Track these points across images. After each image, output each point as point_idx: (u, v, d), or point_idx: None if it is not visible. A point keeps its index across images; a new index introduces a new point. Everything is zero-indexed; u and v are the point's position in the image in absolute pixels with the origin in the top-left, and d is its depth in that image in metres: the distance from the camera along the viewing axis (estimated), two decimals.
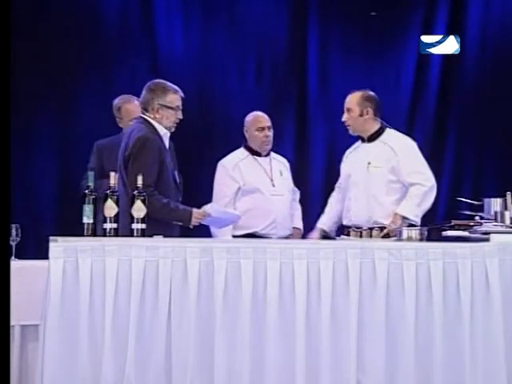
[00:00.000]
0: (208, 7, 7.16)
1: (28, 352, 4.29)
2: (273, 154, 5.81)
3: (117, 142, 5.10)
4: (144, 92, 4.80)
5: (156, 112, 4.73)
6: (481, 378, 3.98)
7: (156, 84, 4.80)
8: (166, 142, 4.78)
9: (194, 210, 4.72)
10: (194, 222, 4.71)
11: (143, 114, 4.79)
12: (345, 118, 5.35)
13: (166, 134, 4.78)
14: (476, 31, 7.24)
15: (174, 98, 4.77)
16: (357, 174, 5.31)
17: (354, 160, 5.39)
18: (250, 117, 5.74)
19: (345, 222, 5.35)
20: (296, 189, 5.85)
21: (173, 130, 4.83)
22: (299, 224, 5.79)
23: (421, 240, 4.43)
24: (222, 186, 5.65)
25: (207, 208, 4.79)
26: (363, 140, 5.40)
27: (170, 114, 4.75)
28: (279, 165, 5.76)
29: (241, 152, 5.74)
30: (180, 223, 4.75)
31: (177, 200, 4.81)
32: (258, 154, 5.72)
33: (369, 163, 5.26)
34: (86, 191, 4.14)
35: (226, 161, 5.71)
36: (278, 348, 3.93)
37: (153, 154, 4.62)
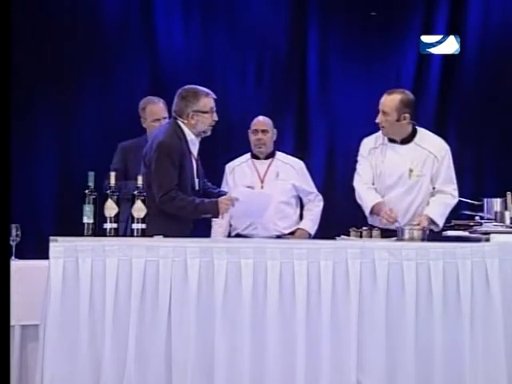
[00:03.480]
0: (208, 8, 7.16)
1: (28, 352, 4.29)
2: (281, 156, 5.92)
3: (141, 144, 5.15)
4: (176, 100, 4.82)
5: (191, 118, 4.75)
6: (481, 378, 3.98)
7: (187, 90, 4.81)
8: (193, 148, 4.80)
9: (220, 198, 4.72)
10: (223, 210, 4.69)
11: (176, 118, 4.79)
12: (380, 119, 5.06)
13: (192, 141, 4.78)
14: (476, 31, 7.23)
15: (207, 101, 4.79)
16: (394, 178, 5.08)
17: (388, 161, 5.11)
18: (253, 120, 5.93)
19: (371, 222, 5.10)
20: (313, 191, 5.91)
21: (209, 133, 4.84)
22: (305, 225, 5.86)
23: (423, 240, 4.43)
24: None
25: (232, 192, 4.85)
26: (393, 140, 5.13)
27: (204, 117, 4.77)
28: (282, 167, 5.84)
29: (245, 156, 5.96)
30: (209, 215, 4.80)
31: None
32: (258, 157, 5.88)
33: (410, 170, 5.06)
34: (86, 191, 4.14)
35: (228, 164, 5.95)
36: (278, 348, 3.93)
37: (173, 158, 4.63)
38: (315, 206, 5.89)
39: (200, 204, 4.68)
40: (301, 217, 5.92)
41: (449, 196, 5.11)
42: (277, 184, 5.79)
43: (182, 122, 4.77)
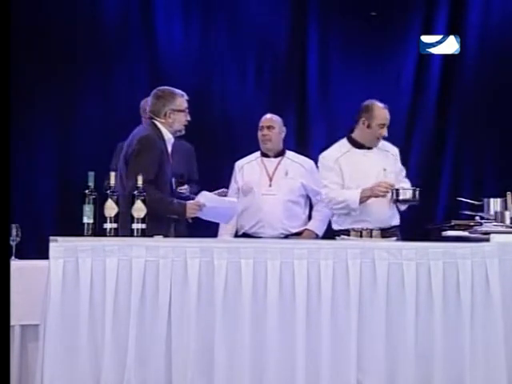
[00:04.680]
0: (208, 7, 7.16)
1: (28, 352, 4.29)
2: (290, 155, 5.92)
3: None
4: (153, 100, 4.92)
5: (168, 117, 4.85)
6: (481, 378, 3.98)
7: (163, 90, 4.93)
8: (169, 148, 4.88)
9: (188, 202, 4.81)
10: (190, 213, 4.79)
11: (152, 118, 4.88)
12: (386, 133, 5.39)
13: (169, 140, 4.88)
14: (476, 31, 7.23)
15: (182, 101, 4.92)
16: (371, 179, 5.29)
17: (362, 165, 5.36)
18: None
19: (361, 226, 5.29)
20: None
21: (183, 132, 4.97)
22: (313, 226, 5.83)
23: (413, 198, 5.02)
24: (230, 186, 5.87)
25: (199, 197, 4.87)
26: (360, 147, 5.40)
27: (180, 116, 4.89)
28: (291, 165, 5.83)
29: (254, 154, 5.96)
30: (175, 216, 4.82)
31: None
32: (268, 156, 5.87)
33: (384, 169, 5.37)
34: (86, 191, 4.14)
35: (237, 162, 5.96)
36: (278, 348, 3.93)
37: (154, 153, 4.71)
38: (324, 206, 5.83)
39: (170, 203, 4.74)
40: (310, 217, 5.90)
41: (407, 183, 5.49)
42: (285, 182, 5.78)
43: (160, 122, 4.85)
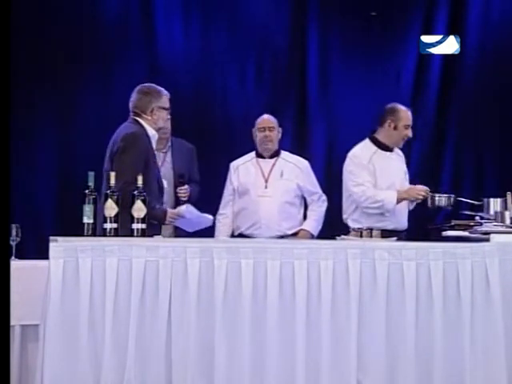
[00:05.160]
0: (208, 7, 7.16)
1: (28, 352, 4.28)
2: (285, 155, 5.92)
3: None
4: (139, 95, 4.88)
5: (153, 114, 4.83)
6: (481, 378, 3.98)
7: (149, 87, 4.92)
8: (154, 144, 4.86)
9: (169, 210, 4.83)
10: (168, 221, 4.82)
11: (136, 114, 4.84)
12: (411, 134, 5.57)
13: (154, 136, 4.85)
14: (476, 31, 7.24)
15: (166, 99, 4.92)
16: (397, 181, 5.49)
17: (389, 167, 5.50)
18: (257, 119, 5.93)
19: (381, 226, 5.41)
20: (317, 191, 5.90)
21: (166, 130, 5.06)
22: (308, 226, 5.84)
23: (448, 205, 5.15)
24: (225, 187, 5.90)
25: (182, 209, 4.88)
26: (385, 148, 5.54)
27: (163, 114, 4.89)
28: (286, 166, 5.83)
29: (250, 155, 5.95)
30: (155, 221, 4.75)
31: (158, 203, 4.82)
32: (263, 156, 5.87)
33: (405, 173, 5.60)
34: (86, 191, 4.14)
35: (232, 163, 5.96)
36: (278, 348, 3.93)
37: (140, 150, 4.67)
38: (319, 206, 5.86)
39: (153, 208, 4.57)
40: (305, 217, 5.91)
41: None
42: (281, 184, 5.78)
43: (144, 119, 4.82)
